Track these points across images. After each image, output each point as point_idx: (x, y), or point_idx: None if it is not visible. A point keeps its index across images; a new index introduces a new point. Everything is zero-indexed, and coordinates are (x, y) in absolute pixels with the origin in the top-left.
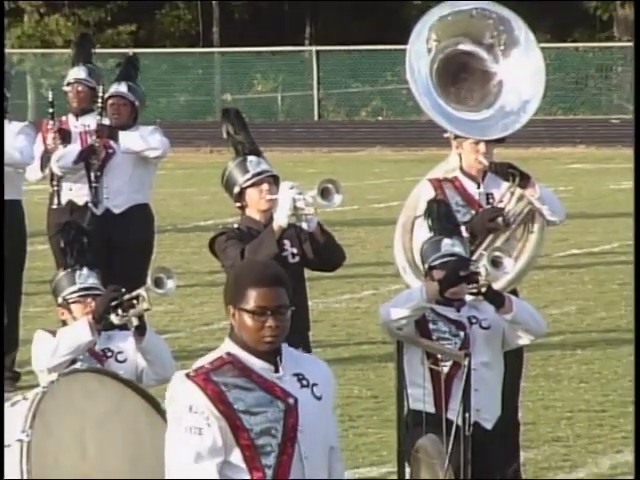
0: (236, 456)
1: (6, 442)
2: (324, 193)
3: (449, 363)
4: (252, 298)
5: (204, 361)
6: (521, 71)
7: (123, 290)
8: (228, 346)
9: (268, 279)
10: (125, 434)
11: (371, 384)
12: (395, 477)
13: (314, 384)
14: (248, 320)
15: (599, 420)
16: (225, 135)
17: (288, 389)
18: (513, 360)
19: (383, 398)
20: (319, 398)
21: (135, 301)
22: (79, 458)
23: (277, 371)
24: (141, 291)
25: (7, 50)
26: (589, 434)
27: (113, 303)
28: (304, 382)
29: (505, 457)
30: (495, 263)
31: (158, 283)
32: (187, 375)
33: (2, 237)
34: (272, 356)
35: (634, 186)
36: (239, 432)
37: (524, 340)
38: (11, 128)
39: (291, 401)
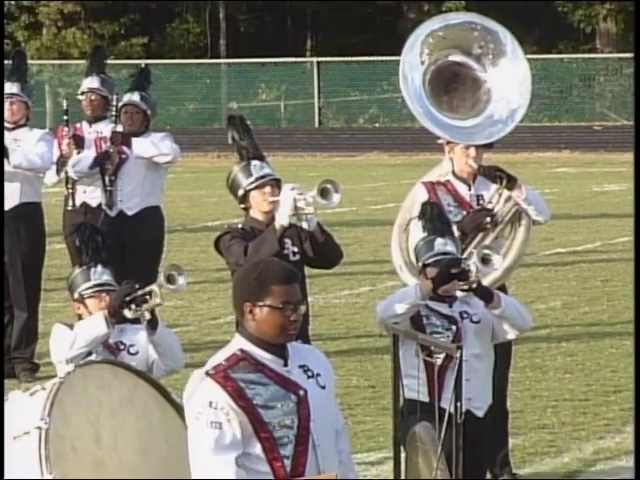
0: (256, 448)
1: (25, 429)
2: (323, 193)
3: (442, 355)
4: (277, 294)
5: (219, 358)
6: (509, 80)
7: (136, 286)
8: (240, 342)
9: (290, 276)
10: (137, 422)
11: (368, 375)
12: (391, 462)
13: (318, 374)
14: (272, 315)
15: (583, 408)
16: (230, 141)
17: (298, 381)
18: (502, 352)
19: (380, 388)
20: (323, 387)
21: (148, 296)
22: (94, 444)
23: (286, 365)
24: (153, 287)
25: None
26: (573, 422)
27: (127, 298)
28: (309, 373)
29: (494, 443)
30: (485, 260)
31: (170, 280)
32: (206, 373)
33: (2, 240)
34: (282, 350)
35: (634, 186)
36: (259, 425)
37: (511, 335)
38: (32, 135)
39: (301, 393)
